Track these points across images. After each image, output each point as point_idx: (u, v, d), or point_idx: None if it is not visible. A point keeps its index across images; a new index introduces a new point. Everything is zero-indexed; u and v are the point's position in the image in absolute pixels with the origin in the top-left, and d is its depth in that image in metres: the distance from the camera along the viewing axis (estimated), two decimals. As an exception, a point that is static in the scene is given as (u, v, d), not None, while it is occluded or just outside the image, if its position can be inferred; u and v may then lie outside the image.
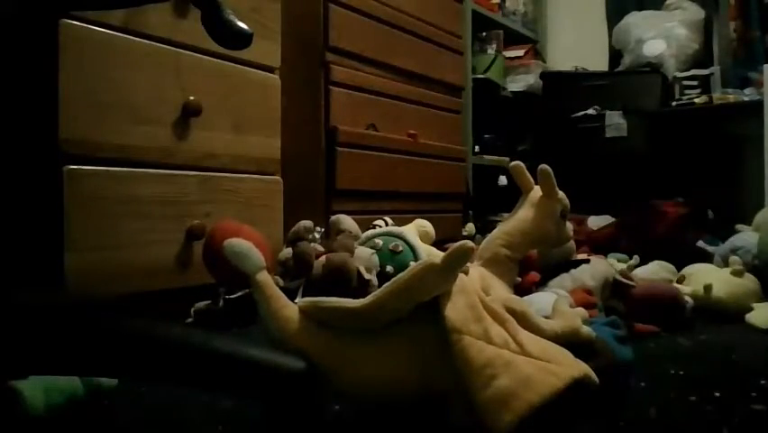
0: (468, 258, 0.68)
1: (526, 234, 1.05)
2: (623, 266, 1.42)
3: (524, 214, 1.06)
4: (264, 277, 0.69)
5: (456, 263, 0.66)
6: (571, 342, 0.78)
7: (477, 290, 0.73)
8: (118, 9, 1.16)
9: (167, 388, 0.81)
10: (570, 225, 1.12)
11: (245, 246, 0.69)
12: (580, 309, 0.86)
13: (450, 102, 2.44)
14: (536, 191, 1.08)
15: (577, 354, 0.73)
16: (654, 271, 1.47)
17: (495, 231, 1.08)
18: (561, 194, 1.07)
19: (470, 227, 2.24)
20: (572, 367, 0.69)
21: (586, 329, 0.82)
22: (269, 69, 1.51)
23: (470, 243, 0.66)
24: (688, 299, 1.26)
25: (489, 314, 0.70)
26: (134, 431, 0.74)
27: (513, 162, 1.09)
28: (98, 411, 0.76)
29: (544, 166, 1.05)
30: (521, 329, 0.72)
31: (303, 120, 1.83)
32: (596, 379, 0.70)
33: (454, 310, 0.67)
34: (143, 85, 1.21)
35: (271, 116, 1.51)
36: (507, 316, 0.72)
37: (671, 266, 1.51)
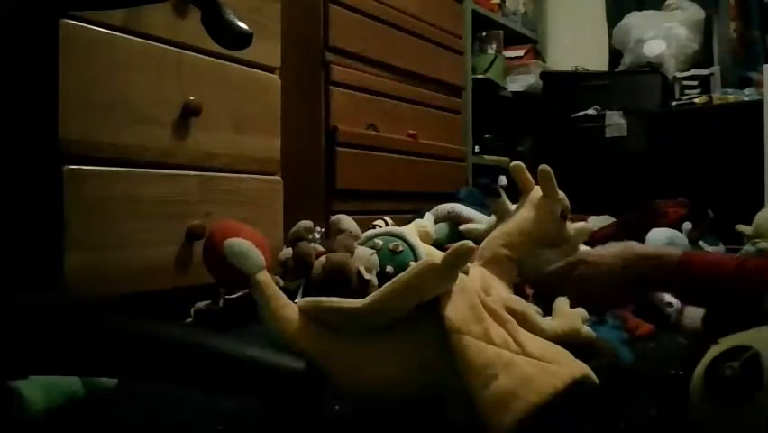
0: (468, 258, 0.68)
1: (526, 235, 1.05)
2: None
3: (524, 214, 1.06)
4: (264, 277, 0.69)
5: (457, 263, 0.66)
6: (572, 342, 0.78)
7: (477, 290, 0.73)
8: (118, 9, 1.16)
9: (167, 388, 0.81)
10: (573, 225, 1.12)
11: (245, 246, 0.69)
12: (581, 310, 0.86)
13: (450, 102, 2.44)
14: (536, 191, 1.08)
15: (578, 355, 0.73)
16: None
17: (495, 231, 1.08)
18: (561, 194, 1.07)
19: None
20: (572, 367, 0.69)
21: (586, 329, 0.82)
22: (269, 69, 1.51)
23: (470, 243, 0.66)
24: (672, 301, 1.24)
25: (489, 314, 0.70)
26: (134, 431, 0.74)
27: (513, 162, 1.09)
28: (98, 411, 0.76)
29: (544, 166, 1.05)
30: (521, 330, 0.72)
31: (303, 120, 1.83)
32: (596, 379, 0.70)
33: (455, 310, 0.67)
34: (143, 85, 1.21)
35: (271, 116, 1.51)
36: (508, 316, 0.72)
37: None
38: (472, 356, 0.64)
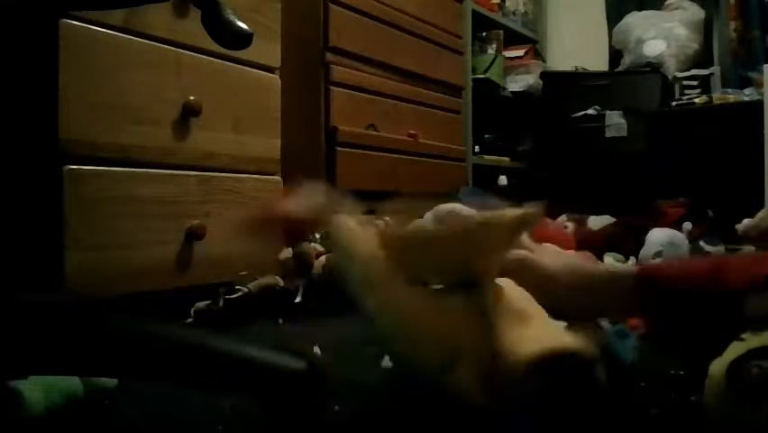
0: (535, 224, 0.67)
1: None
2: (621, 266, 1.42)
3: None
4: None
5: (523, 224, 0.66)
6: None
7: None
8: (118, 9, 1.16)
9: (167, 388, 0.81)
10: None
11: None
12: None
13: (450, 102, 2.44)
14: None
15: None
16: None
17: None
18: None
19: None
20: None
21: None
22: (269, 69, 1.51)
23: (535, 209, 0.65)
24: None
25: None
26: (134, 431, 0.74)
27: None
28: (98, 411, 0.76)
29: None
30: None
31: (303, 120, 1.83)
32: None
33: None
34: (143, 85, 1.21)
35: (271, 116, 1.51)
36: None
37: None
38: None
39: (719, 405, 0.63)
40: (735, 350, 0.64)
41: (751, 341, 0.64)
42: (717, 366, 0.64)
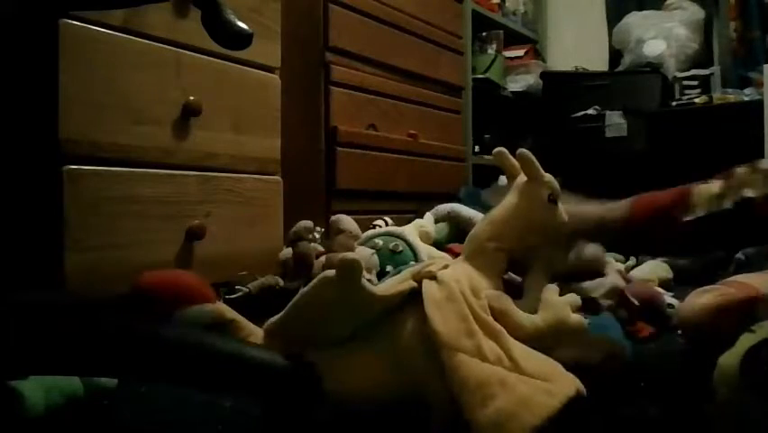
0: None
1: (511, 222, 0.99)
2: (620, 266, 1.41)
3: (508, 202, 1.01)
4: (221, 313, 0.73)
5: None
6: (561, 333, 0.77)
7: (466, 294, 0.72)
8: (118, 9, 1.16)
9: (167, 388, 0.81)
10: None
11: (192, 312, 0.72)
12: (571, 297, 0.82)
13: (450, 102, 2.44)
14: (522, 177, 1.03)
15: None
16: (652, 271, 1.47)
17: (480, 223, 1.04)
18: (547, 177, 1.01)
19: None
20: (565, 384, 0.67)
21: (575, 318, 0.79)
22: (269, 69, 1.51)
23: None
24: (672, 302, 1.23)
25: (479, 325, 0.69)
26: (134, 431, 0.74)
27: (495, 149, 1.04)
28: (98, 411, 0.76)
29: (522, 150, 1.00)
30: (513, 343, 0.70)
31: (303, 120, 1.83)
32: (584, 391, 0.68)
33: (445, 324, 0.66)
34: (143, 85, 1.21)
35: (271, 116, 1.51)
36: (499, 327, 0.70)
37: (666, 266, 1.51)
38: (466, 375, 0.63)
39: (733, 395, 0.63)
40: (747, 341, 0.64)
41: (762, 331, 0.64)
42: (730, 357, 0.64)
